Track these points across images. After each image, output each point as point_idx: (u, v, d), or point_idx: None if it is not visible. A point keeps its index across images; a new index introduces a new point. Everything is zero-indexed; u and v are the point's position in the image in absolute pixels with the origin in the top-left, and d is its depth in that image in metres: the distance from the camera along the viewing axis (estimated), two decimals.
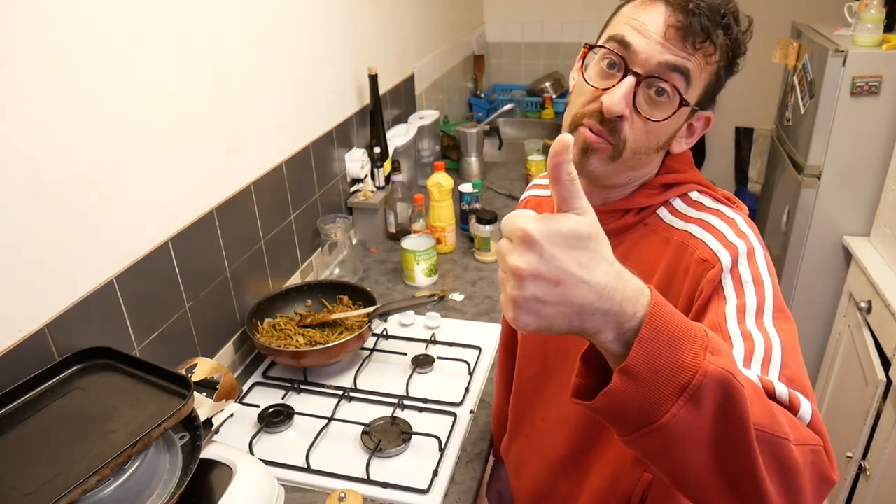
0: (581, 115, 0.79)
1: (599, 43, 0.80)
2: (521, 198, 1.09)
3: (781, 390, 0.63)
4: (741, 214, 0.81)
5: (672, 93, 0.75)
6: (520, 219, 0.49)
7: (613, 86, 0.75)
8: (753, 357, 0.69)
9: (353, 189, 1.92)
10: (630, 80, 0.75)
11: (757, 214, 2.98)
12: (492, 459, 1.29)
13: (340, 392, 1.33)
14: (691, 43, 0.73)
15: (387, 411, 1.27)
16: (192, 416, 0.95)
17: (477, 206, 1.94)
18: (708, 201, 0.83)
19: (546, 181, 1.01)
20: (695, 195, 0.84)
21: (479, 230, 1.80)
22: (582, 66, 0.83)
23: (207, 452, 0.99)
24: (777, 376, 0.67)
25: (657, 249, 0.82)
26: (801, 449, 0.57)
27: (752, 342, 0.70)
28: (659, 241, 0.82)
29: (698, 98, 0.78)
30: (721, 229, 0.78)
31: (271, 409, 1.28)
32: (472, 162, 2.38)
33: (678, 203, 0.84)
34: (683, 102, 0.75)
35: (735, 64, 0.78)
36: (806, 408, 0.62)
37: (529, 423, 1.04)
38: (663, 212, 0.84)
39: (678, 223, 0.82)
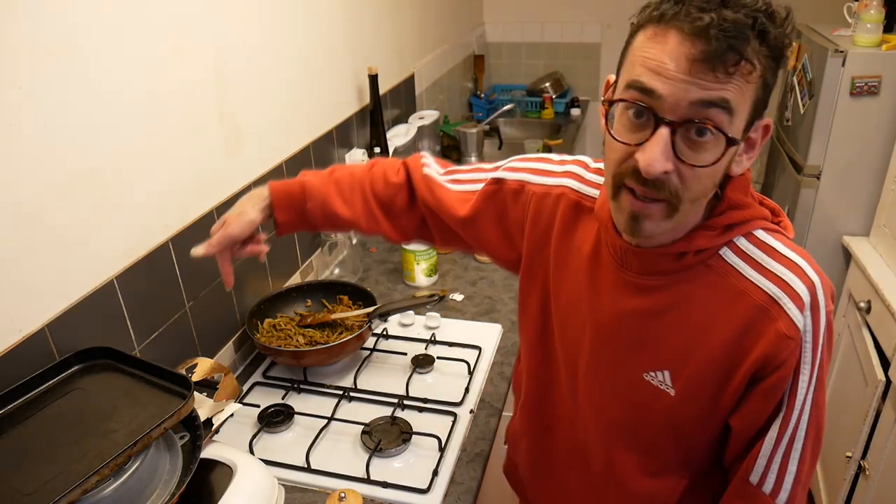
0: (620, 175, 0.71)
1: (619, 86, 0.71)
2: (553, 182, 0.93)
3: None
4: (816, 271, 0.75)
5: (714, 131, 0.66)
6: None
7: (647, 140, 0.67)
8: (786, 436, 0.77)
9: None
10: (663, 132, 0.66)
11: None
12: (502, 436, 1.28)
13: (340, 392, 1.33)
14: (723, 71, 0.63)
15: (387, 411, 1.27)
16: (193, 416, 0.95)
17: None
18: (780, 246, 0.76)
19: (593, 177, 0.90)
20: (761, 234, 0.77)
21: None
22: (606, 120, 0.74)
23: (207, 452, 0.99)
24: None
25: (727, 299, 0.76)
26: None
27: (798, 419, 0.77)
28: (729, 290, 0.76)
29: (747, 118, 0.68)
30: (804, 298, 0.73)
31: (271, 409, 1.28)
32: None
33: (743, 243, 0.76)
34: (730, 142, 0.67)
35: (783, 59, 0.67)
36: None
37: (549, 432, 1.02)
38: (727, 252, 0.77)
39: (749, 271, 0.75)
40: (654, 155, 0.66)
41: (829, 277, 0.76)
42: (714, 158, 0.67)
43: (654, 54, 0.66)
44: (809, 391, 0.75)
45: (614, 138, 0.71)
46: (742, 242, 0.76)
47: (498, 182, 0.97)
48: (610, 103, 0.71)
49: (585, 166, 0.93)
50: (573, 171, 0.93)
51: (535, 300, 0.97)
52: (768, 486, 0.78)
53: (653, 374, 0.82)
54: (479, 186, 0.99)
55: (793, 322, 0.73)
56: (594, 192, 0.89)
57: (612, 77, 0.76)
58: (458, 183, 1.03)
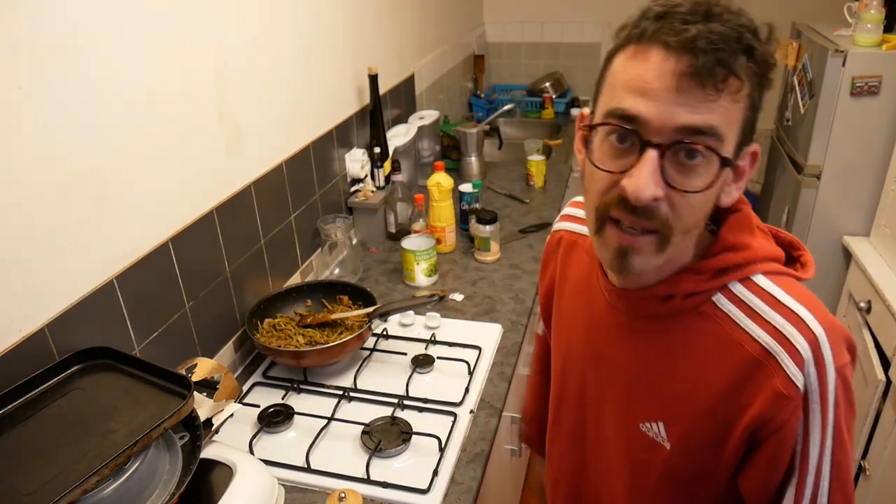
0: (604, 206, 0.66)
1: (598, 114, 0.67)
2: (553, 228, 0.95)
3: None
4: (821, 322, 0.66)
5: (706, 152, 0.62)
6: None
7: (633, 165, 0.62)
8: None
9: (353, 189, 1.92)
10: (651, 154, 0.61)
11: (757, 214, 2.98)
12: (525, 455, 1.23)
13: (340, 392, 1.33)
14: (712, 87, 0.60)
15: (387, 411, 1.27)
16: (192, 416, 0.95)
17: (477, 206, 1.94)
18: (781, 294, 0.69)
19: (581, 213, 0.89)
20: (761, 280, 0.70)
21: (479, 230, 1.80)
22: (586, 148, 0.69)
23: (207, 452, 0.99)
24: None
25: (720, 350, 0.70)
26: None
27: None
28: (722, 339, 0.70)
29: (737, 140, 0.64)
30: (803, 354, 0.65)
31: (271, 409, 1.28)
32: (472, 162, 2.38)
33: (739, 289, 0.70)
34: (725, 163, 0.63)
35: (767, 80, 0.64)
36: None
37: (566, 480, 0.97)
38: (720, 299, 0.71)
39: (745, 321, 0.69)
40: (644, 179, 0.61)
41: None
42: (707, 183, 0.63)
43: (637, 74, 0.62)
44: (825, 455, 0.67)
45: (597, 167, 0.66)
46: (738, 288, 0.70)
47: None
48: (590, 128, 0.68)
49: (577, 205, 0.91)
50: (567, 213, 0.92)
51: (556, 359, 0.94)
52: None
53: (648, 424, 0.77)
54: None
55: (790, 380, 0.65)
56: (586, 230, 0.87)
57: (587, 110, 0.72)
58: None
